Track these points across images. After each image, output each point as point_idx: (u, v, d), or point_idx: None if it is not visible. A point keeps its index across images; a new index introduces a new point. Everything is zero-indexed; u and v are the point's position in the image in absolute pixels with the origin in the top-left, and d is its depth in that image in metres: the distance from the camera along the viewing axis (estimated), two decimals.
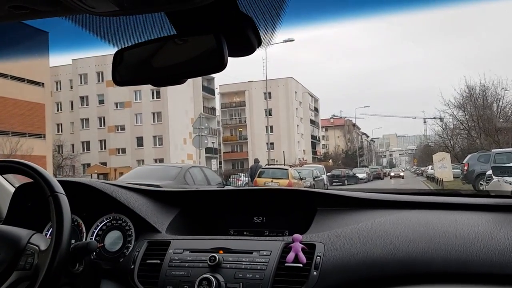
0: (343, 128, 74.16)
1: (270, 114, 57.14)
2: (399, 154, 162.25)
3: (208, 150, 45.31)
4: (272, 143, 55.86)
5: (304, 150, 61.50)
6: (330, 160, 57.85)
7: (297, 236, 1.20)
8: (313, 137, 66.39)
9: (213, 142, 41.49)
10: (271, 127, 57.16)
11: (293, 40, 31.05)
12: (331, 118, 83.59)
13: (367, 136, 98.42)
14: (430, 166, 36.48)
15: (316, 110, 70.47)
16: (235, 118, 59.90)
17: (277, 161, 41.78)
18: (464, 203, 1.30)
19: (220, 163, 54.41)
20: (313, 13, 0.90)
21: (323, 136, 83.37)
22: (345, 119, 75.93)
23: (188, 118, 44.68)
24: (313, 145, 66.44)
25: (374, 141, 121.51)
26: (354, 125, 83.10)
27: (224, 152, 59.77)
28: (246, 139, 58.65)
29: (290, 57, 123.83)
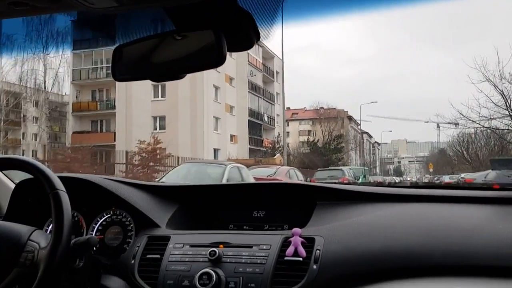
0: (335, 120, 51.32)
1: None
2: (409, 161, 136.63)
3: None
4: (163, 117, 28.03)
5: (233, 136, 33.35)
6: (278, 155, 29.85)
7: (296, 230, 1.24)
8: (256, 115, 37.37)
9: None
10: (163, 87, 29.16)
11: None
12: (320, 108, 58.58)
13: (370, 136, 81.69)
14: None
15: (270, 72, 41.32)
16: (97, 70, 31.85)
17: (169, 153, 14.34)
18: (463, 195, 1.34)
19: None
20: (312, 7, 0.92)
21: (309, 131, 56.22)
22: (339, 110, 56.60)
23: None
24: (257, 130, 37.45)
25: (379, 144, 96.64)
26: (350, 118, 61.79)
27: (74, 132, 31.54)
28: (114, 107, 30.70)
29: (289, 66, 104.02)
